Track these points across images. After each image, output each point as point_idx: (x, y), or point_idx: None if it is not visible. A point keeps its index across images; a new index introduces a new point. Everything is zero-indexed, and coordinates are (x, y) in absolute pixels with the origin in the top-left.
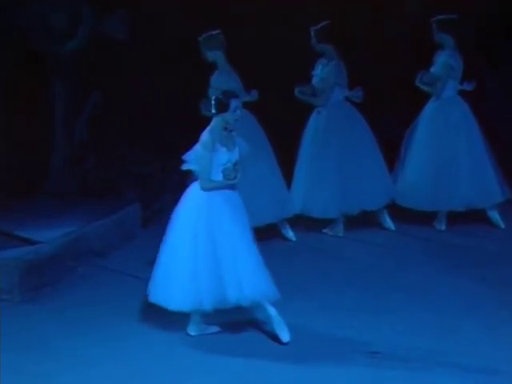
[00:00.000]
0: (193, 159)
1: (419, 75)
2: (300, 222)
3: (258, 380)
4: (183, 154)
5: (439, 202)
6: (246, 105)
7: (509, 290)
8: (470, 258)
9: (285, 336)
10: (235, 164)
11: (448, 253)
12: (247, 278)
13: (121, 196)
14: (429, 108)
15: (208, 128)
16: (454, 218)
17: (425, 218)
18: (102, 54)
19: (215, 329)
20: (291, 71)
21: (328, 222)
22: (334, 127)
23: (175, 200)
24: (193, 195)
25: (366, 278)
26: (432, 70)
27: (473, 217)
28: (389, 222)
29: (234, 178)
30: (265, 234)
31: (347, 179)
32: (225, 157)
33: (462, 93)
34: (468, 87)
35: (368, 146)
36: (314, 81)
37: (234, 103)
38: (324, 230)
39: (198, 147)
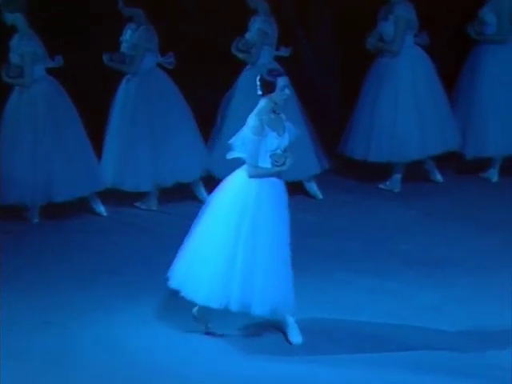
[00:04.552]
0: (239, 145)
1: (235, 42)
2: (111, 195)
3: None
4: None
5: None
6: (49, 71)
7: (331, 260)
8: (291, 231)
9: (297, 339)
10: (285, 150)
11: None
12: (274, 289)
13: None
14: (244, 75)
15: (255, 111)
16: None
17: None
18: None
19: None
20: (100, 37)
21: (141, 196)
22: (144, 96)
23: None
24: (238, 183)
25: None
26: (247, 36)
27: (290, 189)
28: (204, 195)
29: (283, 164)
30: (75, 209)
31: (160, 150)
32: (274, 142)
33: (278, 59)
34: (284, 53)
35: (181, 114)
36: (124, 47)
37: (280, 82)
38: (136, 204)
39: (245, 132)
